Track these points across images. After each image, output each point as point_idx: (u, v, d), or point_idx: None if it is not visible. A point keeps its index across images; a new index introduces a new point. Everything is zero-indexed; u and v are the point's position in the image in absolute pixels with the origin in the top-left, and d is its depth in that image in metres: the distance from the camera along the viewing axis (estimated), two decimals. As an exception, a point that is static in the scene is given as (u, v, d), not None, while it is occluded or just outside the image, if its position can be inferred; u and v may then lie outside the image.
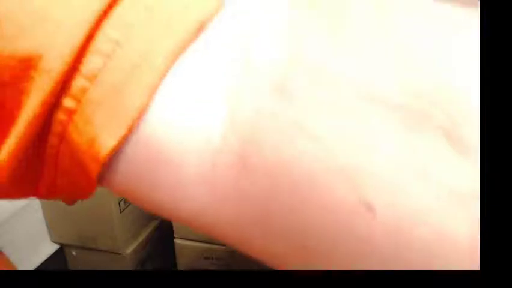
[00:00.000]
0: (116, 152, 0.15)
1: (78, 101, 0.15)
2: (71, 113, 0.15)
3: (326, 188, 0.12)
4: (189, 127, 0.15)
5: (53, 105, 0.15)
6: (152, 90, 0.14)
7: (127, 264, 1.06)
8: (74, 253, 1.10)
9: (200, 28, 0.15)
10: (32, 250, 1.07)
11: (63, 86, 0.14)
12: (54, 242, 1.10)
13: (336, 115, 0.13)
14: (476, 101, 0.12)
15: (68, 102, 0.15)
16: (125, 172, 0.15)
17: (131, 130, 0.14)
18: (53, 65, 0.14)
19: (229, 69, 0.15)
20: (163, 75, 0.14)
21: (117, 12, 0.14)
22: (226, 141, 0.14)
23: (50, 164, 0.16)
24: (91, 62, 0.14)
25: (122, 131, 0.14)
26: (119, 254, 1.05)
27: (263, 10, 0.15)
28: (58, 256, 1.12)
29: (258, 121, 0.14)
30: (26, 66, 0.14)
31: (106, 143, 0.15)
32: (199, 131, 0.14)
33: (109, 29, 0.14)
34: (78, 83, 0.14)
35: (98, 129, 0.15)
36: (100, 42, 0.14)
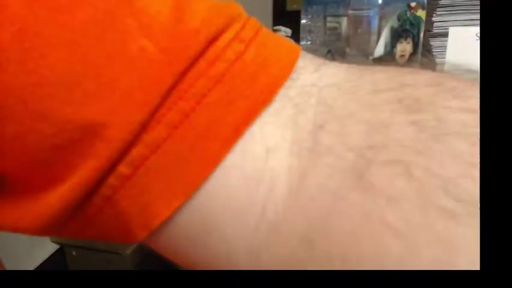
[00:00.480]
0: (167, 219, 0.14)
1: (135, 168, 0.14)
2: (124, 179, 0.14)
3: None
4: (245, 202, 0.14)
5: (107, 170, 0.14)
6: (214, 163, 0.14)
7: (127, 264, 1.06)
8: (74, 253, 1.09)
9: (267, 101, 0.14)
10: (32, 250, 1.07)
11: (122, 153, 0.14)
12: (54, 242, 1.10)
13: (423, 211, 0.12)
14: None
15: (123, 168, 0.14)
16: (172, 237, 0.15)
17: (187, 200, 0.14)
18: (117, 135, 0.13)
19: (296, 147, 0.14)
20: (227, 147, 0.14)
21: (188, 82, 0.14)
22: (286, 218, 0.14)
23: (85, 218, 0.15)
24: (156, 132, 0.14)
25: (178, 202, 0.14)
26: (119, 254, 1.05)
27: (336, 91, 0.15)
28: (58, 256, 1.12)
29: (328, 204, 0.13)
30: (86, 133, 0.13)
31: (161, 212, 0.14)
32: (255, 207, 0.14)
33: (181, 101, 0.14)
34: (138, 151, 0.14)
35: (153, 197, 0.14)
36: (170, 113, 0.14)
